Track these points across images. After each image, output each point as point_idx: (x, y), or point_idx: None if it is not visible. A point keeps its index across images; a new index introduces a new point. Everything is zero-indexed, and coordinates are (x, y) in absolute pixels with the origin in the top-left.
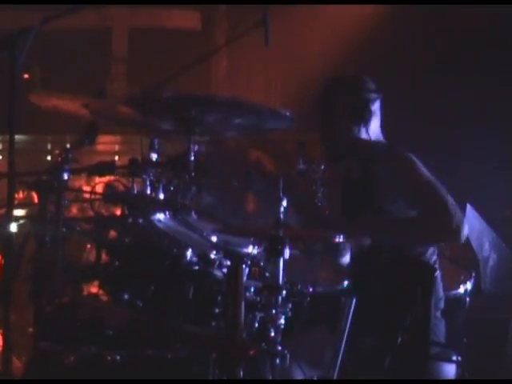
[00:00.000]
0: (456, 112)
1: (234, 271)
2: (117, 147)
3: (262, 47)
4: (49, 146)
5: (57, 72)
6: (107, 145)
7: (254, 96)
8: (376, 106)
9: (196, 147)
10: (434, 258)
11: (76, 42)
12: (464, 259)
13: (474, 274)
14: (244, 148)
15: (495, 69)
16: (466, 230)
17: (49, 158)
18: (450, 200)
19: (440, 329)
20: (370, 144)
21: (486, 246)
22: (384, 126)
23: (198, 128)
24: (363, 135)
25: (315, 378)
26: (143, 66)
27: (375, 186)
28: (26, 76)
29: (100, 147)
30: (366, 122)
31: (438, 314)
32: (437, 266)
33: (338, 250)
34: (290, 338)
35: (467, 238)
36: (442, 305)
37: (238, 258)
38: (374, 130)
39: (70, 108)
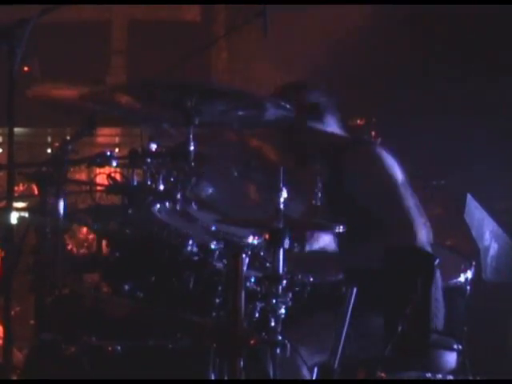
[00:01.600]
0: (455, 104)
1: (234, 261)
2: (117, 139)
3: (262, 38)
4: (49, 139)
5: (56, 65)
6: (108, 137)
7: (253, 87)
8: (328, 102)
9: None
10: None
11: (75, 35)
12: (464, 248)
13: (474, 263)
14: (245, 137)
15: (495, 64)
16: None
17: (49, 150)
18: (410, 207)
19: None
20: (332, 136)
21: (487, 235)
22: (381, 120)
23: (198, 118)
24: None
25: (315, 369)
26: (143, 59)
27: (345, 182)
28: (25, 69)
29: (100, 139)
30: (320, 115)
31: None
32: None
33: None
34: (292, 324)
35: (468, 227)
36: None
37: (238, 248)
38: (331, 124)
39: (68, 98)
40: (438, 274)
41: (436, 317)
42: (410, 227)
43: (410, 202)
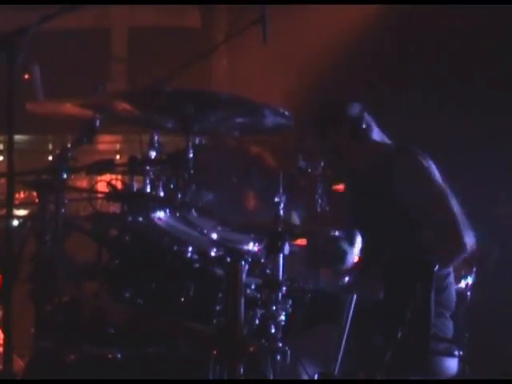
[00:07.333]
0: (457, 105)
1: (234, 268)
2: (118, 146)
3: (262, 45)
4: (50, 146)
5: (56, 73)
6: (108, 144)
7: (254, 94)
8: (367, 118)
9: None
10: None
11: (75, 43)
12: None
13: (474, 269)
14: (245, 144)
15: (495, 69)
16: (471, 243)
17: (50, 158)
18: (458, 215)
19: (448, 328)
20: (379, 145)
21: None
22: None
23: (197, 126)
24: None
25: (316, 376)
26: (143, 66)
27: (392, 185)
28: (26, 76)
29: (101, 146)
30: (366, 135)
31: (448, 314)
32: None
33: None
34: (293, 335)
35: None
36: (453, 307)
37: (238, 255)
38: (376, 135)
39: (68, 111)
40: (453, 293)
41: (442, 332)
42: (458, 236)
43: (457, 208)
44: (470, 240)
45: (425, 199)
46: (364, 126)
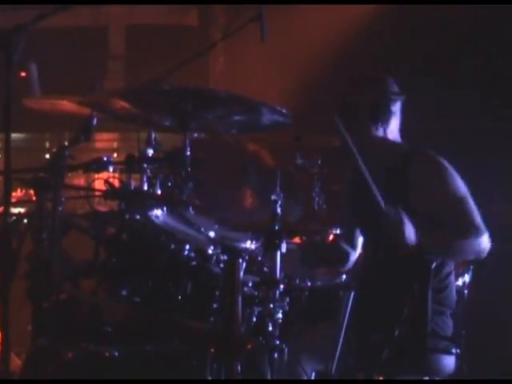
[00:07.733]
0: (454, 105)
1: (231, 266)
2: (115, 144)
3: (259, 43)
4: (47, 144)
5: (54, 71)
6: (106, 142)
7: (251, 91)
8: (397, 107)
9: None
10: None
11: (73, 41)
12: None
13: (472, 267)
14: (242, 142)
15: (495, 68)
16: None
17: (47, 156)
18: (478, 220)
19: (448, 326)
20: (393, 144)
21: None
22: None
23: (194, 123)
24: (381, 134)
25: (313, 374)
26: (141, 64)
27: (407, 186)
28: (23, 74)
29: (99, 145)
30: (385, 121)
31: (448, 313)
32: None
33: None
34: (291, 332)
35: None
36: (454, 305)
37: (235, 253)
38: (392, 130)
39: (65, 108)
40: (453, 292)
41: (442, 329)
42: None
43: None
44: (485, 247)
45: (445, 199)
46: (389, 110)
